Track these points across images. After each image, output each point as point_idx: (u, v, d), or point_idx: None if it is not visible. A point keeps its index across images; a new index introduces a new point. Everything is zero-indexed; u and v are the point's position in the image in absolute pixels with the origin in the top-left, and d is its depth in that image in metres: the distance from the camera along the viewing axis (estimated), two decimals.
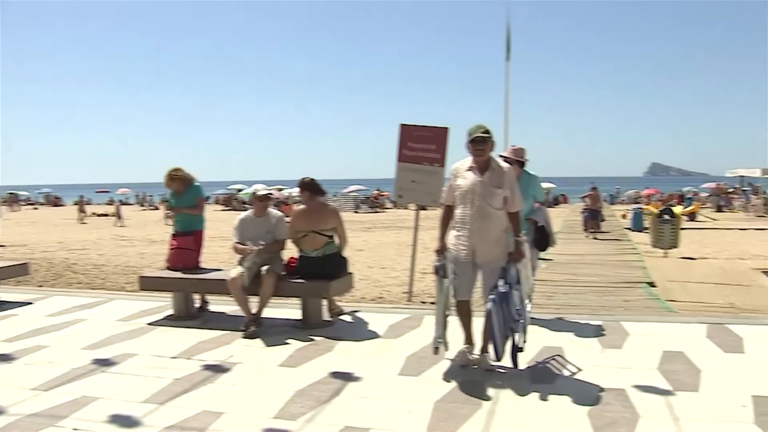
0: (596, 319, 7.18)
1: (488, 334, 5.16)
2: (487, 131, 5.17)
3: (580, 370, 5.34)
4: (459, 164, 5.39)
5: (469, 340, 5.52)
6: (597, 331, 6.55)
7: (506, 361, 5.16)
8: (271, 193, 8.07)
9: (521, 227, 5.42)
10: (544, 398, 4.71)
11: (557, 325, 6.89)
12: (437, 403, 4.67)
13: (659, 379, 5.05)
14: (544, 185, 53.65)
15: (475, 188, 5.16)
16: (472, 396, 4.78)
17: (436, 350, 5.39)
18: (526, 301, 6.30)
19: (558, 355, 5.74)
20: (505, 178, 5.20)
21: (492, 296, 5.04)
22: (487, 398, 4.75)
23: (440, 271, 5.33)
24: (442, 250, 5.37)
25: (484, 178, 5.17)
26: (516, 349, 5.19)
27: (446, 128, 9.11)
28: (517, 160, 6.75)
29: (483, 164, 5.21)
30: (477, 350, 5.48)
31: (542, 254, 7.69)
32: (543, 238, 6.86)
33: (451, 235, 5.35)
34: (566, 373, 5.31)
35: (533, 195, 6.92)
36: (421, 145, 9.17)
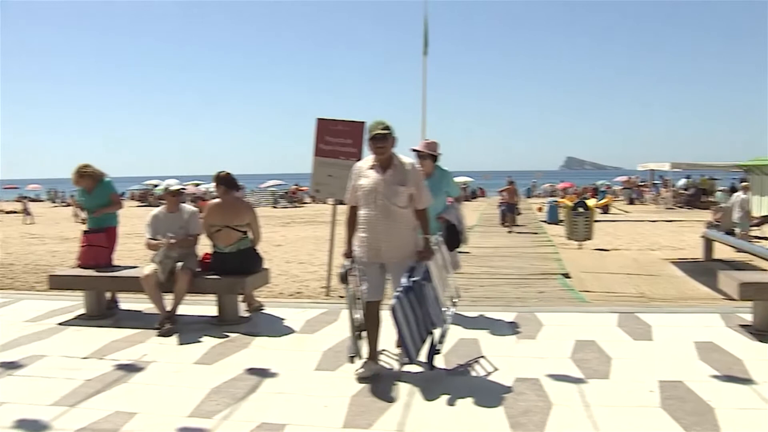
0: (511, 310, 7.36)
1: (399, 335, 4.97)
2: (387, 127, 4.99)
3: (495, 361, 5.46)
4: (361, 163, 5.27)
5: (373, 354, 5.21)
6: (512, 323, 6.72)
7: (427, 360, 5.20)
8: (182, 188, 7.93)
9: (431, 224, 5.32)
10: (459, 389, 4.80)
11: (473, 317, 7.02)
12: (354, 397, 4.69)
13: (572, 368, 5.23)
14: (463, 179, 54.64)
15: (378, 187, 5.00)
16: (388, 389, 4.83)
17: (351, 359, 5.15)
18: (455, 300, 6.38)
19: (474, 347, 5.85)
20: (408, 174, 5.04)
21: (396, 292, 4.82)
22: (404, 391, 4.80)
23: (344, 279, 5.19)
24: (349, 254, 5.21)
25: (387, 176, 5.01)
26: (433, 351, 5.11)
27: (362, 122, 9.14)
28: (431, 154, 6.69)
29: (385, 162, 5.05)
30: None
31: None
32: (453, 237, 6.58)
33: (357, 237, 5.18)
34: (481, 364, 5.41)
35: (446, 191, 6.82)
36: (338, 139, 9.18)
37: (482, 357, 5.57)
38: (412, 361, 4.96)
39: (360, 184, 5.11)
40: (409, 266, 4.97)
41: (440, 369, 5.27)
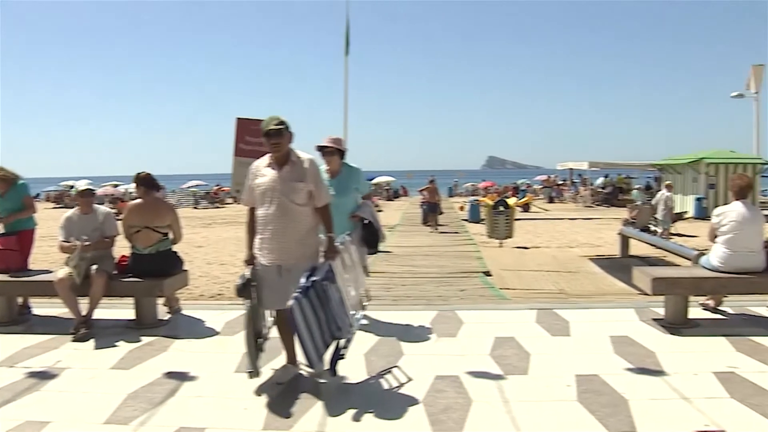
0: (432, 309, 7.45)
1: (298, 339, 4.63)
2: (281, 123, 4.78)
3: (415, 359, 5.51)
4: (258, 161, 5.05)
5: (291, 358, 5.12)
6: (433, 321, 6.79)
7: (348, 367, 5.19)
8: (92, 189, 7.72)
9: (333, 222, 5.04)
10: (380, 388, 4.84)
11: (394, 316, 7.06)
12: (274, 399, 4.67)
13: (491, 365, 5.33)
14: (385, 179, 54.89)
15: (275, 185, 4.82)
16: (308, 391, 4.80)
17: (250, 375, 4.85)
18: (365, 302, 6.33)
19: (394, 346, 5.88)
20: (307, 171, 4.86)
21: (295, 293, 4.50)
22: (324, 392, 4.78)
23: (243, 291, 4.90)
24: (251, 260, 4.99)
25: (284, 173, 4.83)
26: (337, 356, 4.92)
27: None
28: (338, 150, 6.51)
29: (281, 158, 4.86)
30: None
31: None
32: (371, 235, 6.42)
33: (257, 240, 4.99)
34: (402, 362, 5.44)
35: (356, 188, 6.60)
36: (258, 139, 9.11)
37: (403, 355, 5.61)
38: (312, 367, 4.72)
39: (257, 183, 4.93)
40: (310, 267, 4.76)
41: (361, 361, 5.28)
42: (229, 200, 44.17)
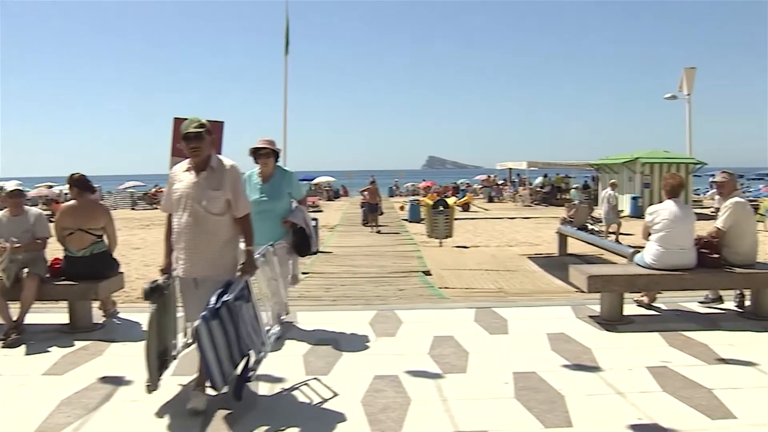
0: (372, 308, 7.49)
1: (202, 361, 4.29)
2: (202, 125, 4.51)
3: (354, 359, 5.53)
4: (178, 166, 4.76)
5: (201, 380, 4.57)
6: (372, 321, 6.82)
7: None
8: (21, 189, 7.51)
9: (253, 234, 4.75)
10: (319, 390, 4.82)
11: (333, 316, 7.07)
12: (213, 402, 4.58)
13: (430, 364, 5.38)
14: (326, 179, 54.79)
15: (190, 191, 4.52)
16: (246, 393, 4.71)
17: (148, 389, 4.44)
18: (283, 315, 6.21)
19: (333, 346, 5.88)
20: (226, 177, 4.56)
21: (203, 313, 4.18)
22: (263, 390, 4.78)
23: (150, 296, 4.54)
24: (167, 269, 4.72)
25: (200, 179, 4.53)
26: (244, 378, 4.61)
27: (221, 122, 9.11)
28: (274, 151, 6.33)
29: (200, 164, 4.56)
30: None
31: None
32: (303, 242, 6.27)
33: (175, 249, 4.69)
34: (341, 362, 5.45)
35: (290, 193, 6.38)
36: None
37: (341, 356, 5.62)
38: (216, 389, 4.35)
39: (173, 189, 4.64)
40: (225, 282, 4.46)
41: (300, 361, 5.25)
42: None
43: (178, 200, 4.59)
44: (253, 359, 4.71)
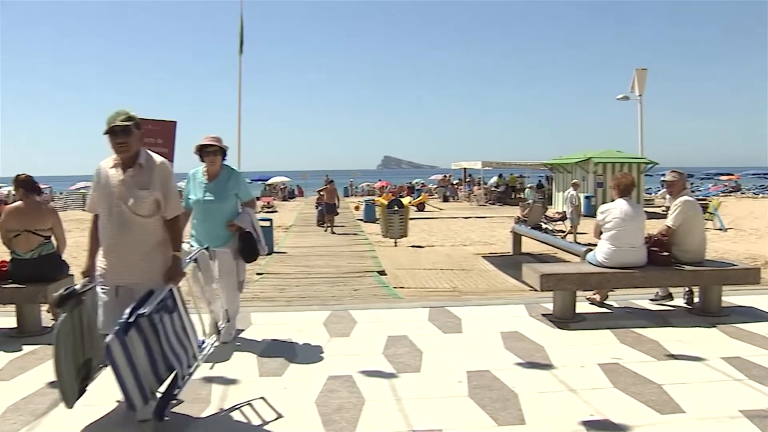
0: (326, 309, 7.47)
1: (116, 379, 3.80)
2: (129, 118, 4.14)
3: (308, 360, 5.50)
4: (104, 162, 4.32)
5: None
6: (326, 321, 6.80)
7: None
8: None
9: (181, 238, 4.52)
10: (272, 391, 4.77)
11: (287, 317, 7.05)
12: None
13: (384, 363, 5.39)
14: (281, 179, 54.51)
15: (115, 191, 4.17)
16: (199, 395, 4.70)
17: (67, 404, 4.06)
18: (221, 323, 5.93)
19: (287, 347, 5.86)
20: (155, 175, 4.22)
21: (116, 328, 3.75)
22: (216, 393, 4.72)
23: (61, 303, 4.07)
24: (88, 272, 4.35)
25: (127, 178, 4.18)
26: (169, 396, 4.21)
27: (174, 122, 9.04)
28: (221, 148, 5.96)
29: (128, 160, 4.21)
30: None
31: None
32: (249, 247, 5.95)
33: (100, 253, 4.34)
34: (295, 363, 5.43)
35: (236, 194, 6.02)
36: (148, 138, 9.04)
37: (296, 356, 5.59)
38: (134, 410, 3.90)
39: (98, 188, 4.28)
40: (146, 292, 4.08)
41: (251, 362, 5.22)
42: None
43: (102, 200, 4.24)
44: (181, 375, 4.29)
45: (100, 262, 4.29)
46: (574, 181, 20.47)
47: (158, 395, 4.12)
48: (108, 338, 3.72)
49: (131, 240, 4.19)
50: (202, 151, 5.96)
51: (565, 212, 21.39)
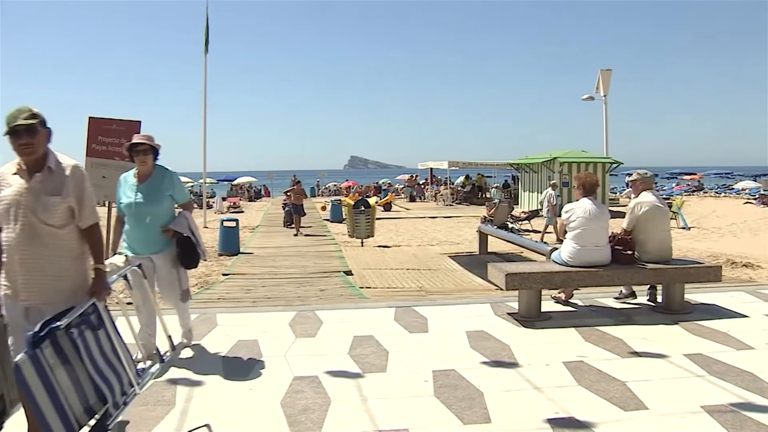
0: (292, 309, 7.45)
1: (32, 409, 3.32)
2: (34, 116, 3.64)
3: (274, 360, 5.48)
4: (4, 168, 3.83)
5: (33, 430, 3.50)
6: (292, 321, 6.78)
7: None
8: None
9: (103, 249, 4.00)
10: (238, 391, 4.76)
11: (253, 318, 7.01)
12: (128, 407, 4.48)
13: (350, 363, 5.39)
14: (247, 179, 54.22)
15: (20, 199, 3.67)
16: (163, 397, 4.67)
17: None
18: (182, 340, 5.72)
19: (253, 348, 5.83)
20: (67, 179, 3.73)
21: (25, 348, 3.30)
22: (181, 395, 4.68)
23: None
24: None
25: (34, 184, 3.68)
26: (102, 428, 3.69)
27: (138, 121, 9.02)
28: (152, 147, 5.49)
29: (34, 164, 3.71)
30: None
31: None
32: (188, 252, 5.51)
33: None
34: (260, 364, 5.41)
35: (171, 195, 5.54)
36: (112, 139, 9.00)
37: (261, 357, 5.57)
38: None
39: (1, 197, 3.72)
40: (65, 310, 3.62)
41: (218, 363, 5.19)
42: None
43: (6, 210, 3.69)
44: (113, 404, 3.82)
45: (5, 281, 3.70)
46: (553, 181, 20.65)
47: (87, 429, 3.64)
48: (17, 358, 3.20)
49: (43, 254, 3.71)
50: (132, 150, 5.50)
51: (532, 211, 21.62)
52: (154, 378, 4.78)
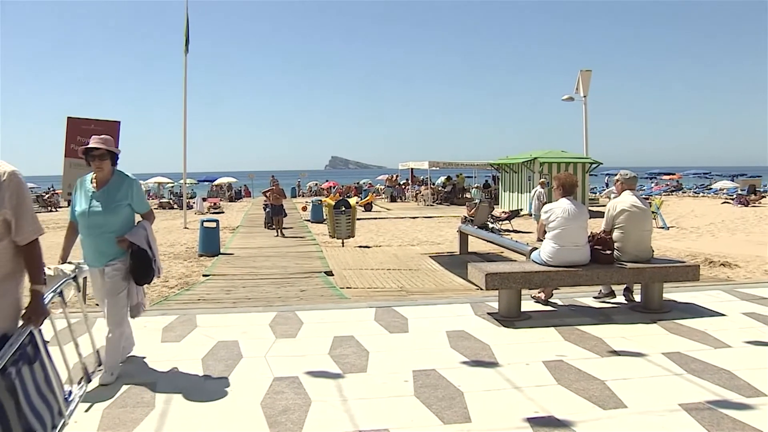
0: (272, 310, 7.44)
1: None
2: None
3: (254, 361, 5.47)
4: None
5: None
6: (272, 322, 6.77)
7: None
8: None
9: (42, 268, 3.60)
10: (217, 394, 4.74)
11: (233, 318, 6.99)
12: (106, 409, 4.46)
13: (330, 364, 5.39)
14: (227, 179, 53.99)
15: None
16: (143, 399, 4.64)
17: None
18: (93, 372, 5.09)
19: (233, 348, 5.81)
20: (1, 188, 3.24)
21: None
22: (161, 399, 4.64)
23: None
24: None
25: None
26: None
27: (117, 122, 8.99)
28: (109, 152, 5.14)
29: None
30: None
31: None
32: (142, 266, 5.11)
33: None
34: (240, 364, 5.39)
35: (129, 204, 5.17)
36: (90, 139, 9.03)
37: (241, 358, 5.55)
38: None
39: None
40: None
41: (196, 367, 5.16)
42: (63, 203, 42.00)
43: None
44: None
45: None
46: (542, 180, 20.74)
47: None
48: None
49: None
50: (87, 155, 5.16)
51: (512, 211, 21.70)
52: (80, 399, 4.48)
